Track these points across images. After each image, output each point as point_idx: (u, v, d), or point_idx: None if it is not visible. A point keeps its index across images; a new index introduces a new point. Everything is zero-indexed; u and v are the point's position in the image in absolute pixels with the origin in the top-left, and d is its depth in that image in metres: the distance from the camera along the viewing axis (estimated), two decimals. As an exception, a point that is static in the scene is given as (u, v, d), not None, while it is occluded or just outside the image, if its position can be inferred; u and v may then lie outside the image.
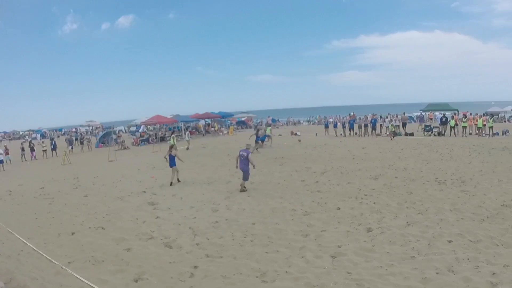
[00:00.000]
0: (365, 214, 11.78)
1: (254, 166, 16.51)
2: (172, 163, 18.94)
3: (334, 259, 8.66)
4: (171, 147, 21.90)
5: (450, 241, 9.13)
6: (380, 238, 9.69)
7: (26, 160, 36.42)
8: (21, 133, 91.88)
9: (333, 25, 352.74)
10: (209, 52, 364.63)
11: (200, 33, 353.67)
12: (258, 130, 32.20)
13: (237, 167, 16.90)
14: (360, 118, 40.19)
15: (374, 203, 12.99)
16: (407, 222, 10.74)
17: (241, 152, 16.47)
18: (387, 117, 40.80)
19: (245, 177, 16.37)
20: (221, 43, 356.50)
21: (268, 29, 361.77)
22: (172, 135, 32.37)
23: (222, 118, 61.46)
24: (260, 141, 30.27)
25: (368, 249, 9.05)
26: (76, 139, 46.84)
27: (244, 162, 16.21)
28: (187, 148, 33.78)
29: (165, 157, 19.60)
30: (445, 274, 7.41)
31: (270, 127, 36.77)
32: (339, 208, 12.64)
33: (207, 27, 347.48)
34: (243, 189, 16.27)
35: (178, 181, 19.21)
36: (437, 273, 7.46)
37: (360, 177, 17.27)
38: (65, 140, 46.45)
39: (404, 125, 37.45)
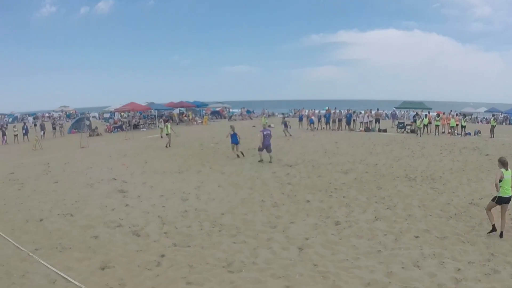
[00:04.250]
0: (334, 208, 11.86)
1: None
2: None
3: (301, 251, 8.69)
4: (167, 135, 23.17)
5: (417, 237, 9.24)
6: (347, 232, 9.76)
7: None
8: None
9: (313, 19, 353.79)
10: (186, 41, 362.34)
11: (178, 22, 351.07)
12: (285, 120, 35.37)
13: (260, 148, 20.15)
14: (334, 113, 40.28)
15: (344, 197, 13.09)
16: (375, 217, 10.85)
17: (266, 132, 20.05)
18: (361, 113, 41.03)
19: (270, 149, 20.16)
20: (198, 32, 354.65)
21: (247, 20, 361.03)
22: (166, 124, 31.77)
23: (196, 108, 61.02)
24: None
25: (335, 242, 9.11)
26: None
27: (269, 138, 19.98)
28: (161, 137, 33.44)
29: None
30: (411, 269, 7.49)
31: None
32: (308, 201, 12.69)
33: (185, 16, 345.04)
34: (271, 161, 19.88)
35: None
36: (402, 268, 7.53)
37: (330, 171, 17.37)
38: (37, 125, 45.82)
39: (377, 121, 37.79)
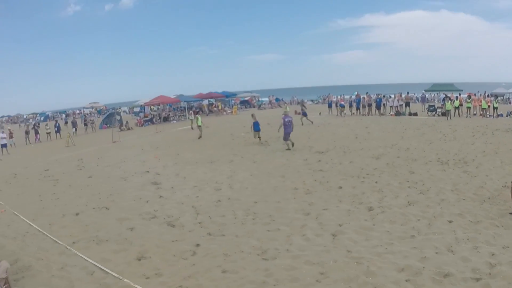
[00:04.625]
0: (366, 193, 11.81)
1: (292, 128, 20.49)
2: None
3: (335, 237, 8.71)
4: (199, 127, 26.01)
5: (450, 221, 9.14)
6: (380, 217, 9.72)
7: (30, 143, 36.48)
8: (25, 117, 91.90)
9: (338, 4, 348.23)
10: (212, 31, 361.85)
11: (204, 13, 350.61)
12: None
13: (284, 137, 20.42)
14: (363, 98, 39.83)
15: (376, 182, 13.00)
16: (408, 202, 10.76)
17: (287, 119, 20.24)
18: (390, 97, 40.41)
19: (288, 137, 20.29)
20: (224, 22, 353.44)
21: (272, 8, 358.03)
22: (197, 115, 31.98)
23: (225, 98, 60.99)
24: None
25: (369, 228, 9.09)
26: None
27: (290, 125, 20.17)
28: (192, 128, 33.70)
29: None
30: (444, 254, 7.44)
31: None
32: (341, 187, 12.66)
33: (210, 6, 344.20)
34: (289, 148, 20.21)
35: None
36: (436, 253, 7.49)
37: (362, 156, 17.27)
38: (69, 122, 46.71)
39: (407, 104, 37.25)
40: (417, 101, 49.59)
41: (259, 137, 23.36)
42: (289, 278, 7.03)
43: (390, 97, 39.77)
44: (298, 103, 46.90)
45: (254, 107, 60.97)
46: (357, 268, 7.11)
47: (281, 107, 56.99)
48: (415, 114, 35.21)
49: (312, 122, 31.97)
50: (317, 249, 8.17)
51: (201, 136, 27.69)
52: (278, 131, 21.57)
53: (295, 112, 40.43)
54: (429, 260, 7.21)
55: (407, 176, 13.52)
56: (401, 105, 37.20)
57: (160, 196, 13.36)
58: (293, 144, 20.24)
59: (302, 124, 31.33)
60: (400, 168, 14.69)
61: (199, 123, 28.56)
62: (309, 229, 9.35)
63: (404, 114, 36.05)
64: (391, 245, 8.02)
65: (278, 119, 34.07)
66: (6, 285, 7.07)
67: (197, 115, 31.72)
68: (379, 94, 40.48)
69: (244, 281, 7.09)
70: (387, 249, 7.83)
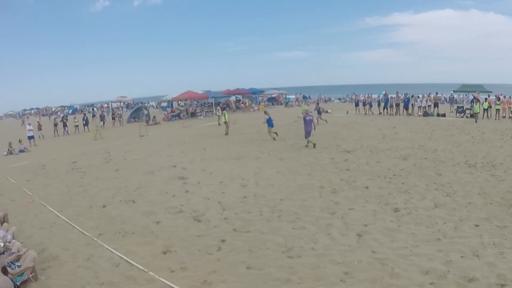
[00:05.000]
0: (392, 194, 11.74)
1: (315, 127, 21.10)
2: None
3: (360, 237, 8.72)
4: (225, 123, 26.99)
5: (476, 225, 9.04)
6: (406, 219, 9.66)
7: (58, 136, 37.13)
8: (53, 109, 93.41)
9: (367, 2, 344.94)
10: (240, 28, 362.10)
11: (231, 9, 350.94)
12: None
13: (306, 135, 20.50)
14: (391, 97, 39.38)
15: (403, 183, 12.90)
16: (434, 204, 10.65)
17: (308, 117, 20.36)
18: (419, 97, 39.80)
19: (310, 135, 20.39)
20: (252, 18, 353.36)
21: (300, 4, 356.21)
22: (224, 112, 32.10)
23: (253, 95, 60.85)
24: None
25: (394, 229, 9.06)
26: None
27: (310, 124, 20.36)
28: (219, 124, 33.84)
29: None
30: (470, 258, 7.38)
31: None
32: (367, 187, 12.61)
33: (238, 2, 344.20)
34: (307, 146, 20.42)
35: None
36: (461, 257, 7.43)
37: (389, 157, 17.12)
38: (97, 116, 47.46)
39: (436, 105, 36.63)
40: (445, 101, 48.83)
41: (276, 133, 24.04)
42: (313, 276, 7.09)
43: (418, 97, 39.22)
44: (315, 102, 46.48)
45: (281, 104, 60.77)
46: (381, 269, 7.12)
47: (308, 105, 56.88)
48: (443, 115, 34.63)
49: (326, 121, 31.61)
50: (342, 248, 8.19)
51: (227, 133, 27.89)
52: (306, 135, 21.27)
53: (322, 111, 40.36)
54: (454, 264, 7.16)
55: (434, 178, 13.37)
56: (429, 106, 36.54)
57: (187, 191, 13.53)
58: (314, 145, 20.24)
59: (318, 123, 30.91)
60: (427, 170, 14.52)
61: (226, 119, 28.72)
62: (334, 228, 9.37)
63: (432, 114, 35.46)
64: (416, 247, 7.98)
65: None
66: (32, 274, 7.26)
67: (224, 111, 31.88)
68: (407, 94, 39.97)
69: (268, 278, 7.17)
70: (412, 251, 7.80)
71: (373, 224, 9.41)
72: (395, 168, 14.95)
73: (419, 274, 6.87)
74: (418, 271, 6.99)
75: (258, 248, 8.54)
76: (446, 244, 8.07)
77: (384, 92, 45.20)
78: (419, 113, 36.20)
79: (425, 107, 36.58)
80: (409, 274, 6.90)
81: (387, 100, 38.90)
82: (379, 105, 39.28)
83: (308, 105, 40.47)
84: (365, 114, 38.35)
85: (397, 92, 40.47)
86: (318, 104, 35.61)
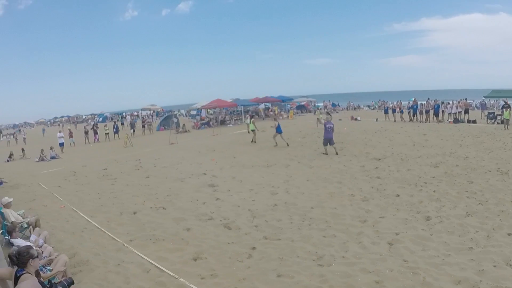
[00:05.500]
0: (424, 202, 11.57)
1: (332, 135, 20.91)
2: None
3: (391, 246, 8.65)
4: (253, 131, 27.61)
5: (509, 234, 8.84)
6: (438, 227, 9.53)
7: (89, 143, 38.05)
8: (84, 117, 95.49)
9: (394, 8, 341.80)
10: (266, 36, 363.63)
11: (257, 17, 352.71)
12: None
13: (324, 142, 20.87)
14: (421, 104, 38.86)
15: (434, 191, 12.70)
16: (466, 212, 10.46)
17: (329, 125, 20.70)
18: (449, 103, 39.11)
19: (333, 142, 20.75)
20: (278, 26, 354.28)
21: (326, 11, 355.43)
22: (252, 120, 32.12)
23: (281, 102, 60.47)
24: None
25: (426, 238, 8.94)
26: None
27: (331, 131, 20.66)
28: (248, 132, 33.88)
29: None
30: (503, 268, 7.24)
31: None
32: (398, 195, 12.48)
33: (264, 11, 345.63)
34: (325, 153, 20.66)
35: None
36: (494, 266, 7.30)
37: (420, 164, 16.87)
38: (127, 124, 48.31)
39: (466, 111, 35.91)
40: (475, 108, 47.95)
41: (286, 143, 24.50)
42: (344, 285, 7.07)
43: (448, 103, 38.58)
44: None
45: (310, 112, 60.37)
46: (413, 279, 7.05)
47: (337, 112, 56.55)
48: (474, 122, 33.91)
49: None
50: (373, 257, 8.14)
51: (254, 141, 27.93)
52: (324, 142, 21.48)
53: (351, 118, 40.14)
54: (486, 273, 7.04)
55: (465, 186, 13.13)
56: (459, 112, 36.00)
57: (217, 198, 13.63)
58: (337, 153, 20.39)
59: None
60: (458, 177, 14.27)
61: (252, 128, 28.82)
62: (365, 236, 9.32)
63: (462, 121, 34.84)
64: (448, 256, 7.87)
65: (335, 124, 34.04)
66: (64, 278, 7.41)
67: (252, 119, 32.01)
68: (436, 100, 39.36)
69: (299, 286, 7.18)
70: (444, 260, 7.69)
71: (404, 233, 9.31)
72: (426, 176, 14.73)
73: (451, 284, 6.78)
74: (450, 280, 6.90)
75: (289, 256, 8.54)
76: (479, 253, 7.93)
77: (413, 99, 44.65)
78: (449, 120, 35.64)
79: (455, 113, 36.00)
80: (441, 283, 6.81)
81: (416, 106, 38.40)
82: (408, 112, 38.78)
83: (321, 113, 39.97)
84: (394, 121, 37.95)
85: (428, 99, 39.80)
86: (328, 113, 35.68)
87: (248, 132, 32.78)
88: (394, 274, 7.30)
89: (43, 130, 60.76)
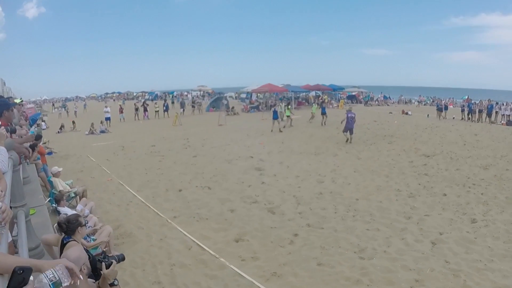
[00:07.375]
0: (471, 204, 11.19)
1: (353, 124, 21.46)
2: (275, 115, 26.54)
3: (434, 245, 8.44)
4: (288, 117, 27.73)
5: (558, 246, 8.49)
6: (483, 231, 9.20)
7: (139, 119, 38.63)
8: (134, 94, 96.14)
9: (453, 1, 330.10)
10: (324, 21, 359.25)
11: (316, 3, 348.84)
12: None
13: (344, 129, 21.61)
14: (475, 103, 37.35)
15: (482, 193, 12.22)
16: (514, 219, 10.04)
17: (350, 114, 21.32)
18: (503, 104, 37.31)
19: (352, 131, 21.52)
20: (337, 13, 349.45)
21: (386, 1, 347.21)
22: (288, 106, 31.70)
23: (332, 91, 59.36)
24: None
25: (470, 241, 8.67)
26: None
27: (352, 121, 21.30)
28: (282, 119, 32.83)
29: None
30: (548, 279, 6.93)
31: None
32: (445, 194, 12.11)
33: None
34: (350, 142, 21.28)
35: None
36: (539, 276, 7.01)
37: (469, 165, 16.25)
38: (177, 102, 49.86)
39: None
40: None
41: (280, 125, 26.35)
42: (384, 280, 6.97)
43: (503, 104, 36.91)
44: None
45: (360, 103, 58.91)
46: (453, 281, 6.87)
47: (388, 105, 55.29)
48: (530, 125, 32.45)
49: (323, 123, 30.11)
50: (415, 255, 7.98)
51: (291, 124, 28.44)
52: (341, 123, 22.49)
53: (402, 112, 39.22)
54: (530, 283, 6.77)
55: (515, 191, 12.59)
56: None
57: (263, 182, 13.65)
58: (348, 140, 21.50)
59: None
60: (508, 182, 13.64)
61: (288, 114, 28.57)
62: (409, 233, 9.13)
63: (516, 124, 33.40)
64: (492, 262, 7.60)
65: (386, 117, 33.40)
66: (106, 248, 7.57)
67: (288, 106, 31.57)
68: (490, 100, 37.76)
69: (339, 277, 7.14)
70: (487, 266, 7.44)
71: (448, 233, 9.06)
72: (475, 177, 14.19)
73: (492, 290, 6.57)
74: (491, 286, 6.68)
75: (331, 245, 8.50)
76: (524, 262, 7.62)
77: (466, 97, 43.12)
78: (502, 122, 34.16)
79: (509, 115, 34.45)
80: (482, 289, 6.61)
81: (470, 105, 36.97)
82: (462, 110, 37.33)
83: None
84: (444, 118, 36.63)
85: (489, 99, 38.14)
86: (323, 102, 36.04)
87: (282, 119, 29.71)
88: (435, 274, 7.13)
89: (85, 105, 62.04)
